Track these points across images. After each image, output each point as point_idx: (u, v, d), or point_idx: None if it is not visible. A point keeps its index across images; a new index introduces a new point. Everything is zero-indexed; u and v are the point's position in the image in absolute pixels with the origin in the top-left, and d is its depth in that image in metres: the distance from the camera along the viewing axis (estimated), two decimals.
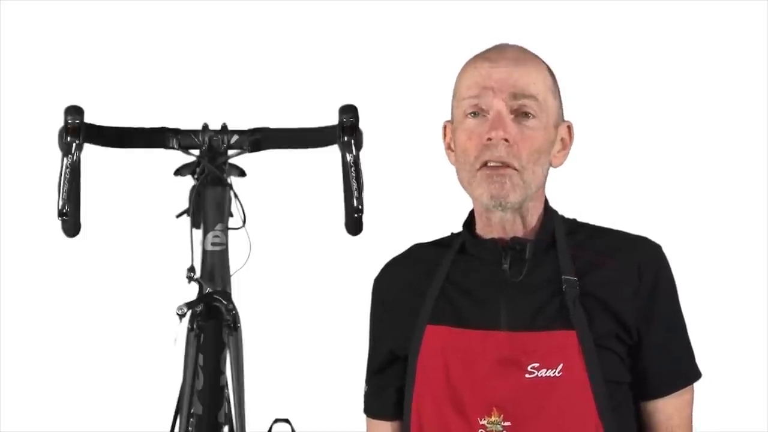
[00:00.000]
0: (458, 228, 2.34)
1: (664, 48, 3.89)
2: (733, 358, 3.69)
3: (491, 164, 2.18)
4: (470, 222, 2.31)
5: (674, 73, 3.88)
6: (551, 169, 2.28)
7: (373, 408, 2.34)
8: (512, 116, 2.19)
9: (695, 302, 2.42)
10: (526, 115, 2.19)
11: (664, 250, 2.27)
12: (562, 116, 2.27)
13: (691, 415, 2.27)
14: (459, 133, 2.23)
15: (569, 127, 2.28)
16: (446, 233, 2.37)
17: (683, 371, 2.26)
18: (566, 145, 2.28)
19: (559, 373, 2.17)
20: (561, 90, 2.32)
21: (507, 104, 2.19)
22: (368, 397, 2.34)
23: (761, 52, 3.86)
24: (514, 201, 2.19)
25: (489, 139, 2.17)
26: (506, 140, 2.17)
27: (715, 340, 3.62)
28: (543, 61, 2.27)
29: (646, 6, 3.90)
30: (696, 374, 2.27)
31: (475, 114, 2.20)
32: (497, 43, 2.30)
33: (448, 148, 2.29)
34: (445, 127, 2.30)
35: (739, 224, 3.82)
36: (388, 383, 2.30)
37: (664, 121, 3.88)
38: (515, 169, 2.17)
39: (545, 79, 2.23)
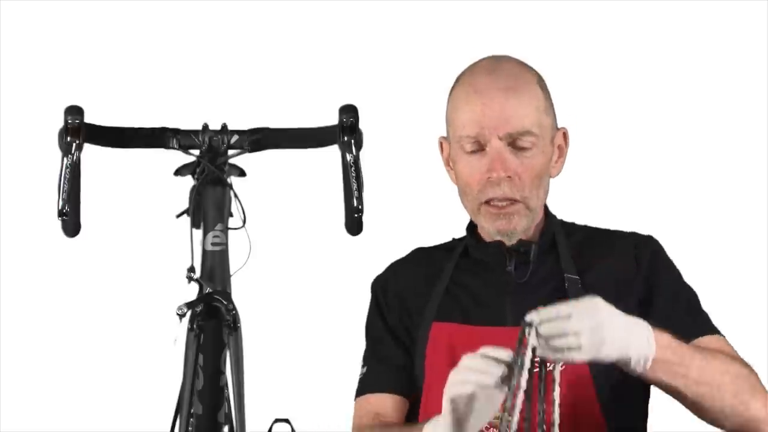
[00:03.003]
0: (459, 229, 2.36)
1: (665, 48, 3.89)
2: None
3: (496, 203, 2.21)
4: (472, 225, 2.33)
5: (674, 74, 3.88)
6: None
7: (369, 384, 2.32)
8: (510, 148, 2.21)
9: None
10: (524, 148, 2.22)
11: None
12: (556, 126, 2.29)
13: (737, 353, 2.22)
14: (460, 166, 2.26)
15: (564, 134, 2.31)
16: (445, 234, 2.39)
17: (698, 323, 2.25)
18: (563, 151, 2.32)
19: (561, 367, 2.18)
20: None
21: (505, 140, 2.21)
22: (365, 377, 2.33)
23: (761, 52, 3.86)
24: (521, 230, 2.25)
25: (490, 177, 2.20)
26: (509, 177, 2.20)
27: None
28: (534, 76, 2.28)
29: (646, 6, 3.90)
30: (713, 329, 2.24)
31: (474, 151, 2.23)
32: (489, 54, 2.32)
33: (447, 164, 2.32)
34: (441, 143, 2.32)
35: (739, 227, 3.82)
36: (387, 362, 2.30)
37: (665, 122, 3.88)
38: (519, 201, 2.22)
39: (537, 102, 2.25)
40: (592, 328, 1.93)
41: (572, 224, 2.37)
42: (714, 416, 2.10)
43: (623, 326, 1.97)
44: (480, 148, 2.22)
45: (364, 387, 2.33)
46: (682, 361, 2.04)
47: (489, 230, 2.26)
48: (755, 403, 2.11)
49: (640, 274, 2.26)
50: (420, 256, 2.39)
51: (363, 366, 2.34)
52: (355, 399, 2.34)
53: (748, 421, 2.10)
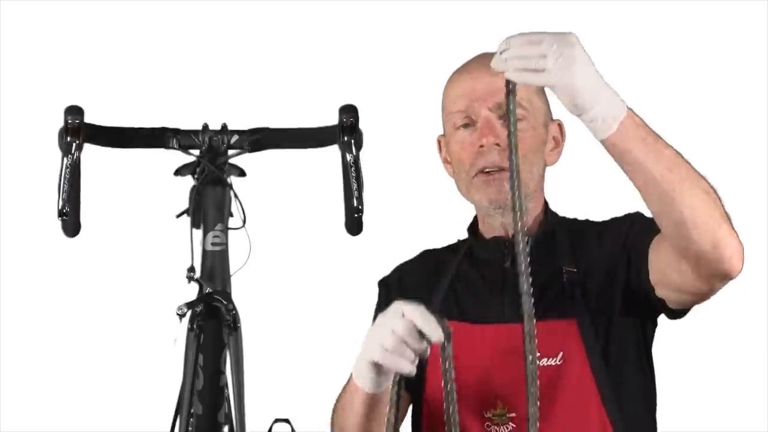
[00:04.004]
0: (459, 228, 2.38)
1: (664, 48, 3.89)
2: (733, 359, 3.69)
3: (487, 170, 2.22)
4: (474, 225, 2.36)
5: (674, 73, 3.88)
6: (551, 171, 2.31)
7: None
8: (501, 121, 2.23)
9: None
10: None
11: None
12: (551, 115, 2.32)
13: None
14: (452, 145, 2.30)
15: (560, 125, 2.34)
16: (445, 233, 2.41)
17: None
18: (559, 142, 2.34)
19: (559, 361, 2.19)
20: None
21: (494, 111, 2.22)
22: None
23: (761, 52, 3.86)
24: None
25: (481, 146, 2.21)
26: (498, 144, 2.21)
27: (715, 341, 3.63)
28: None
29: (646, 6, 3.90)
30: None
31: (465, 126, 2.24)
32: (482, 51, 2.35)
33: (445, 161, 2.35)
34: (439, 142, 2.36)
35: (739, 226, 3.81)
36: None
37: (665, 121, 3.87)
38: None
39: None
40: (561, 54, 1.87)
41: (574, 220, 2.39)
42: (684, 221, 1.95)
43: (595, 76, 1.91)
44: (471, 123, 2.24)
45: None
46: (657, 141, 1.96)
47: (482, 203, 2.26)
48: (726, 226, 1.99)
49: (622, 234, 2.24)
50: (427, 257, 2.43)
51: None
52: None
53: (718, 240, 1.98)
